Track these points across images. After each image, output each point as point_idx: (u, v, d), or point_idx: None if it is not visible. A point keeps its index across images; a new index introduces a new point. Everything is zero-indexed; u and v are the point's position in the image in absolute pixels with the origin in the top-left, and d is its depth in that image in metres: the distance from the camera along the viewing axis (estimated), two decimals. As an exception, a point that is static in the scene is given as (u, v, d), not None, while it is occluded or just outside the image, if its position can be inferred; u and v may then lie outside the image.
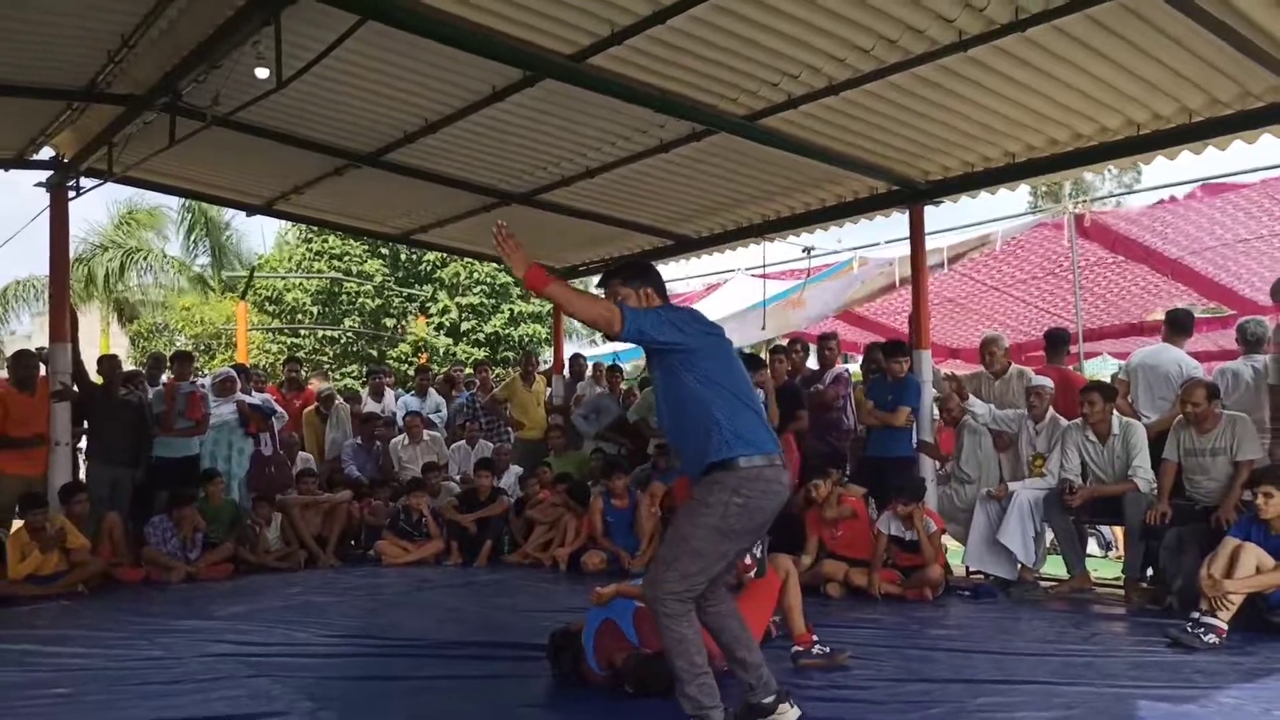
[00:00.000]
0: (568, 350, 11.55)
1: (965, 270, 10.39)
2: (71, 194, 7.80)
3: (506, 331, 23.31)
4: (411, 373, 14.86)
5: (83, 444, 8.43)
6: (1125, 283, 10.25)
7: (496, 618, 5.63)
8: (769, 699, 3.13)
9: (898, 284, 10.19)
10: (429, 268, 23.82)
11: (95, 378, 8.20)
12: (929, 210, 7.73)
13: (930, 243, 8.37)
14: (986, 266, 10.46)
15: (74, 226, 7.97)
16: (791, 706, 3.16)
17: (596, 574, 7.17)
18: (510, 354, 22.39)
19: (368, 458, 9.67)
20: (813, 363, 8.62)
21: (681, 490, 4.85)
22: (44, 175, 7.72)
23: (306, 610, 5.91)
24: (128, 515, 7.72)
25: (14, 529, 6.74)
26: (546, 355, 16.10)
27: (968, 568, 7.07)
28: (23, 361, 7.48)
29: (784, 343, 8.92)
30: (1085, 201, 10.18)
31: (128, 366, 8.85)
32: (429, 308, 23.77)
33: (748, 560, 4.09)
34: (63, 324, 7.60)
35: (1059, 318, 10.48)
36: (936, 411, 7.58)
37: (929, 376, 7.55)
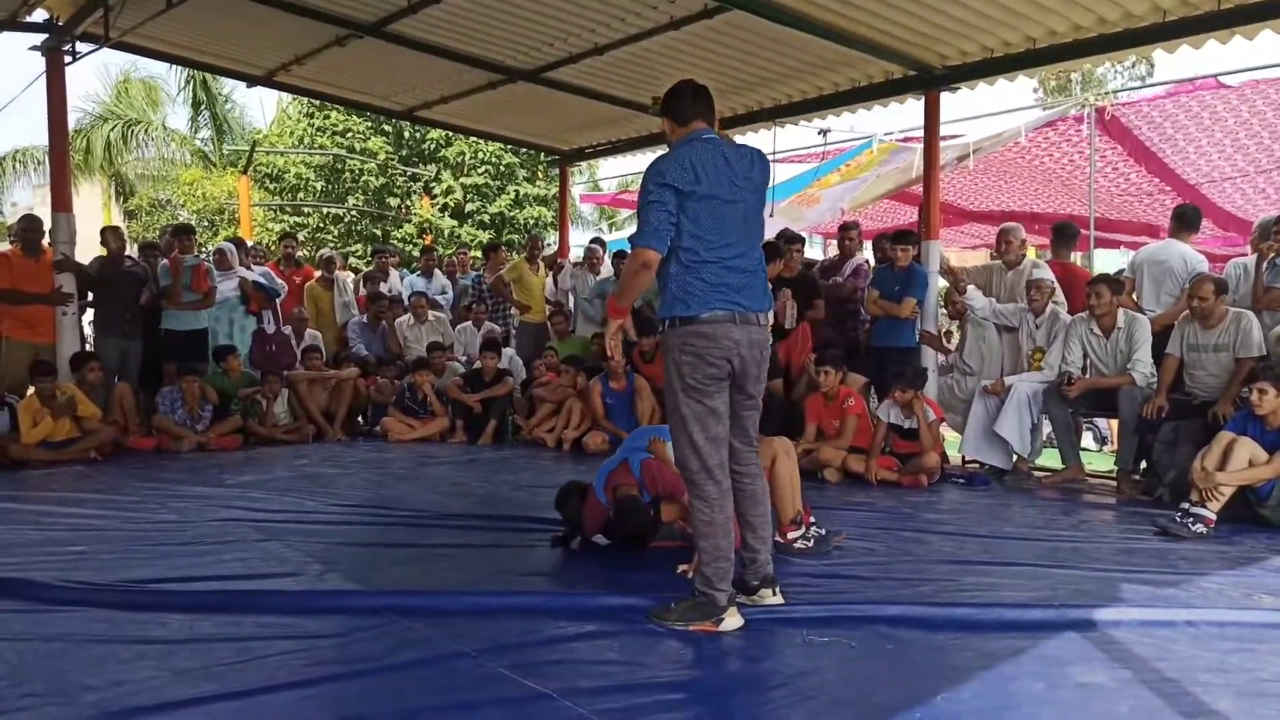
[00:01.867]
0: (574, 237, 11.46)
1: (978, 169, 10.20)
2: (68, 59, 7.62)
3: (512, 213, 23.08)
4: (417, 254, 14.78)
5: (89, 317, 8.47)
6: (1137, 178, 10.09)
7: (500, 493, 5.76)
8: (755, 582, 3.26)
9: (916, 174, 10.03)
10: (433, 146, 23.41)
11: (100, 250, 8.19)
12: (945, 99, 7.54)
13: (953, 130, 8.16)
14: (999, 165, 10.27)
15: (71, 97, 7.83)
16: (774, 594, 3.27)
17: (598, 454, 7.30)
18: (515, 236, 22.23)
19: (373, 336, 9.73)
20: (834, 252, 8.55)
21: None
22: (38, 39, 7.55)
23: (315, 481, 6.05)
24: (137, 386, 7.84)
25: (26, 396, 6.83)
26: (552, 239, 16.00)
27: (964, 456, 7.18)
28: (29, 224, 7.45)
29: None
30: (1108, 94, 9.90)
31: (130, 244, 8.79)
32: (433, 188, 23.47)
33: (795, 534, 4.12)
34: (65, 192, 7.55)
35: (1072, 217, 10.38)
36: (942, 304, 7.57)
37: (936, 267, 7.51)
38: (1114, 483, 6.46)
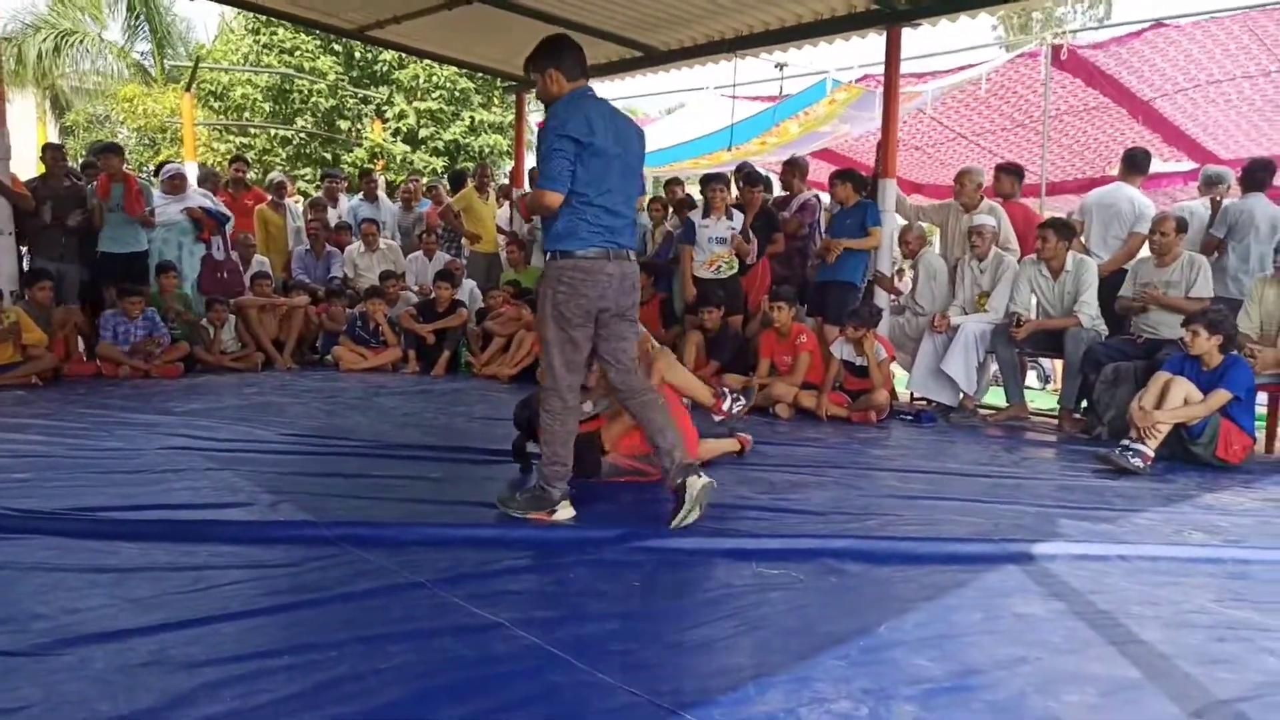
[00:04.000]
0: (529, 164, 11.28)
1: (936, 114, 10.19)
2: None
3: (466, 140, 22.63)
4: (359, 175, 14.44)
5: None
6: (1093, 131, 10.16)
7: (454, 424, 5.75)
8: (679, 479, 3.51)
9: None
10: (386, 69, 22.76)
11: (38, 166, 7.88)
12: (906, 35, 7.49)
13: (912, 68, 8.06)
14: (957, 111, 10.26)
15: (2, 3, 7.44)
16: (700, 477, 3.51)
17: (552, 386, 7.30)
18: (469, 164, 21.83)
19: (316, 263, 9.55)
20: (779, 191, 8.58)
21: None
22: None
23: (264, 410, 5.98)
24: (77, 309, 7.64)
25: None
26: (505, 168, 15.74)
27: (912, 394, 7.32)
28: None
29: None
30: (1064, 33, 9.89)
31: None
32: (385, 112, 22.88)
33: (726, 405, 4.46)
34: (-2, 108, 7.22)
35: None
36: (896, 245, 7.61)
37: (892, 206, 7.53)
38: (1056, 421, 6.65)
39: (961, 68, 10.01)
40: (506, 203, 10.47)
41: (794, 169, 8.25)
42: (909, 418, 6.74)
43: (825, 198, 8.30)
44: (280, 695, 2.05)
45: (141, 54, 23.58)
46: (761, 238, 7.51)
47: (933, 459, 5.22)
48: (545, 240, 3.53)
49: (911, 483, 4.53)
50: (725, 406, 4.49)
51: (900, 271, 8.70)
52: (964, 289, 6.94)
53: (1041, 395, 10.35)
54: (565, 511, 3.56)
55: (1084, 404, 6.44)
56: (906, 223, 7.64)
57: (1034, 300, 6.66)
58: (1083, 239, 6.85)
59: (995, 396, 7.43)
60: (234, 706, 1.99)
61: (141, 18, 22.50)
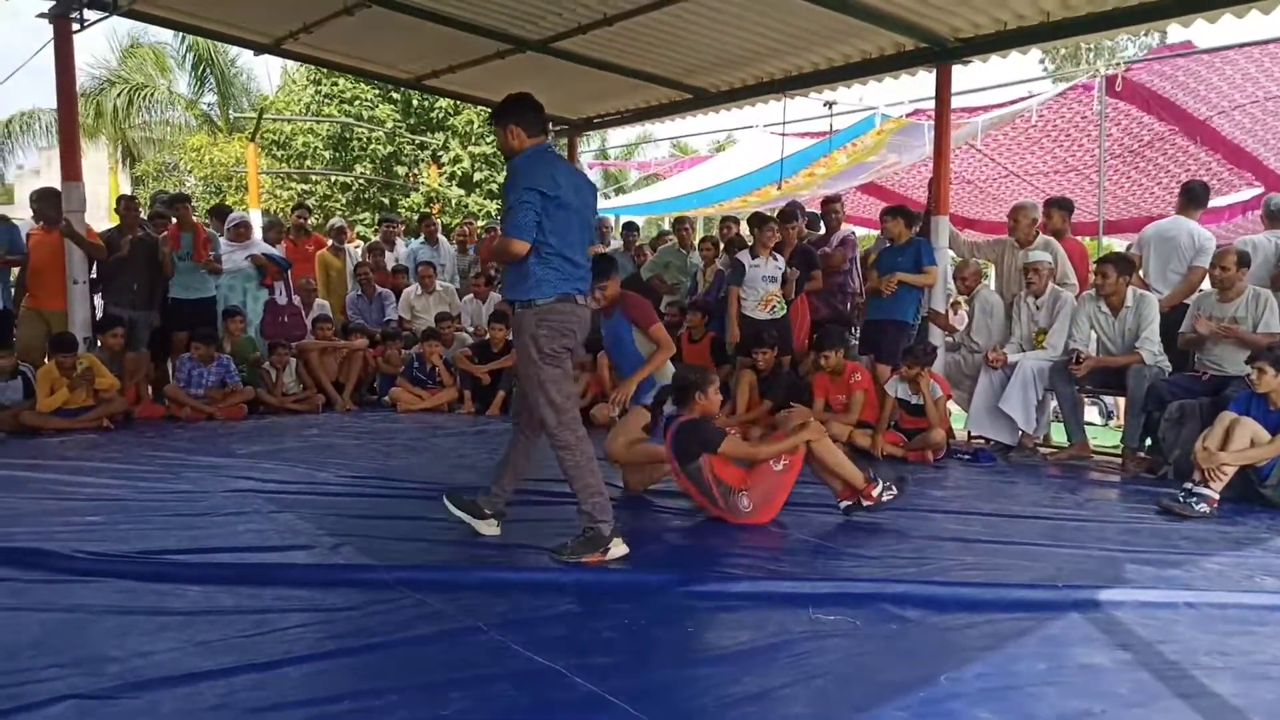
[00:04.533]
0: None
1: (988, 151, 10.13)
2: (75, 26, 7.61)
3: (518, 183, 22.98)
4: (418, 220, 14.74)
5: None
6: (1147, 180, 10.01)
7: (508, 465, 5.79)
8: (488, 511, 3.99)
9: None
10: (441, 115, 23.29)
11: (112, 218, 8.22)
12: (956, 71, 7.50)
13: (963, 102, 8.08)
14: (1009, 149, 10.20)
15: (78, 60, 7.80)
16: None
17: (604, 427, 7.34)
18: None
19: (368, 305, 9.74)
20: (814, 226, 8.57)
21: None
22: (46, 5, 7.52)
23: (324, 451, 6.11)
24: (148, 355, 7.90)
25: (45, 365, 6.90)
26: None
27: (969, 432, 7.21)
28: (42, 197, 7.51)
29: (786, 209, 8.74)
30: (1119, 63, 9.82)
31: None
32: (440, 157, 23.38)
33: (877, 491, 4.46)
34: (75, 161, 7.57)
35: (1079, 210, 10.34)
36: (951, 281, 7.56)
37: (945, 243, 7.49)
38: (1119, 460, 6.49)
39: (1012, 101, 9.97)
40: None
41: (834, 203, 8.24)
42: (967, 457, 6.64)
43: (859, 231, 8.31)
44: (343, 741, 2.09)
45: (208, 105, 24.45)
46: (800, 275, 7.45)
47: (992, 500, 5.13)
48: (512, 290, 3.74)
49: (971, 525, 4.46)
50: (875, 493, 4.40)
51: (955, 305, 8.63)
52: (1020, 326, 6.85)
53: (1105, 432, 10.12)
54: (618, 549, 3.61)
55: (1148, 442, 6.29)
56: (963, 259, 7.59)
57: (1093, 336, 6.55)
58: (1141, 273, 6.73)
59: (1056, 433, 7.28)
60: (298, 752, 2.03)
61: (208, 71, 23.34)
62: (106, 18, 7.51)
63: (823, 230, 8.37)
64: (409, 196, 22.86)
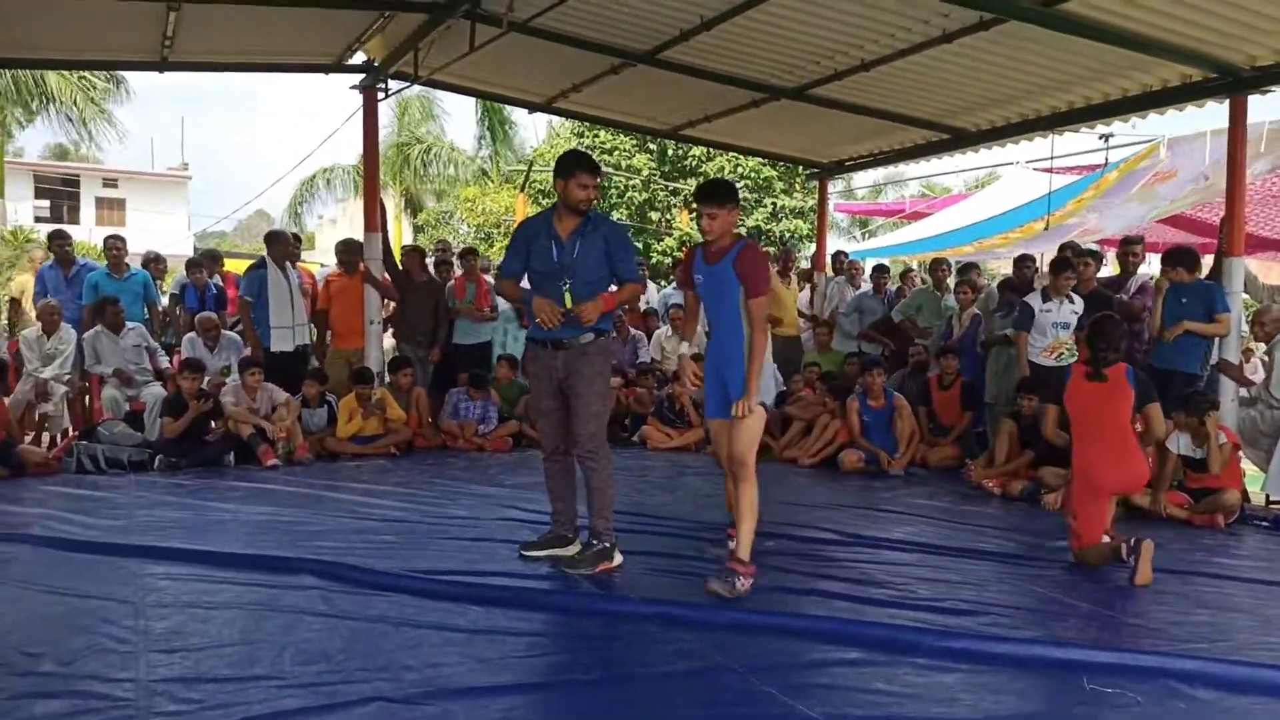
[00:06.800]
0: (832, 246, 11.39)
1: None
2: (380, 95, 8.58)
3: (768, 226, 23.24)
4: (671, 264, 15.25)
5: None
6: None
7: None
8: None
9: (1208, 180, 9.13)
10: (694, 162, 24.03)
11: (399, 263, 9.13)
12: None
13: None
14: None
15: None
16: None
17: (852, 472, 7.24)
18: (771, 248, 22.34)
19: (621, 347, 10.13)
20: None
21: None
22: (356, 79, 8.54)
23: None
24: (429, 392, 8.67)
25: (346, 396, 7.75)
26: (806, 252, 15.99)
27: (1268, 496, 6.47)
28: (346, 248, 8.48)
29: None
30: None
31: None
32: (693, 202, 24.03)
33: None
34: (375, 214, 8.51)
35: None
36: (1246, 327, 6.86)
37: (1239, 288, 6.80)
38: None
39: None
40: (808, 286, 10.61)
41: (1133, 244, 7.65)
42: (1265, 524, 5.95)
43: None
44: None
45: (482, 159, 26.63)
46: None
47: (1298, 574, 4.58)
48: (600, 322, 4.12)
49: (1271, 600, 4.01)
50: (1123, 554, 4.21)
51: (1247, 353, 7.80)
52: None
53: None
54: (618, 557, 4.14)
55: None
56: (1264, 304, 6.86)
57: None
58: None
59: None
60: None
61: (486, 127, 25.49)
62: (407, 87, 8.41)
63: (1118, 271, 7.79)
64: (661, 241, 23.67)
